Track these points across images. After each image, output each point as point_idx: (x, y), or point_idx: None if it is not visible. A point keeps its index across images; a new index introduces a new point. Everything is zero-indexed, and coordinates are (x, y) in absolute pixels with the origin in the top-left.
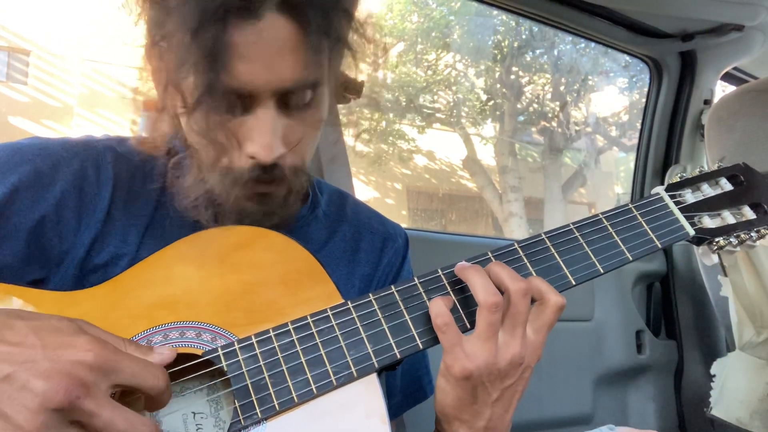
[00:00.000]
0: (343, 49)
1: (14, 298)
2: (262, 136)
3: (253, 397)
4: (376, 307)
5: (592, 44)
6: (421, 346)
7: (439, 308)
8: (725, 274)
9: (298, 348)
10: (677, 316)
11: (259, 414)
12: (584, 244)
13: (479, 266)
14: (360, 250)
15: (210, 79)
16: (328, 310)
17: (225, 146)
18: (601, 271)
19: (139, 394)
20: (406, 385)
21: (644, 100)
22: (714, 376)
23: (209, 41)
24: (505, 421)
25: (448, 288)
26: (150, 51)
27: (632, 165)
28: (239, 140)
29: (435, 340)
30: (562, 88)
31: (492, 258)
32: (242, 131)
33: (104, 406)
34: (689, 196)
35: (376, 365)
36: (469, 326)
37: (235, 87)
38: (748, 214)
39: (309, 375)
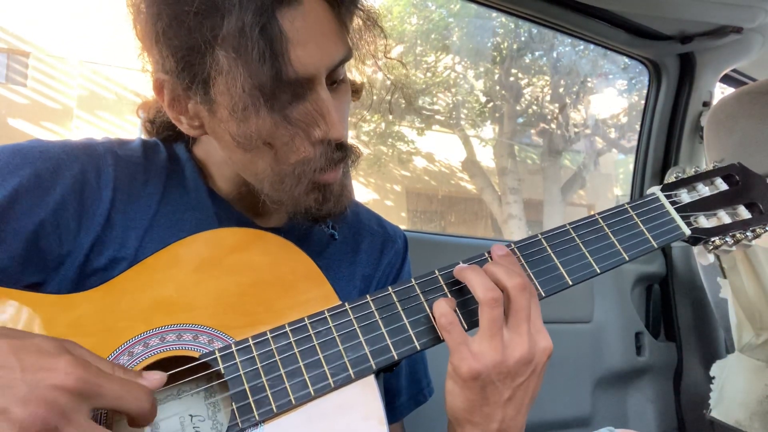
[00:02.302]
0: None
1: (12, 300)
2: (331, 115)
3: (251, 400)
4: (373, 308)
5: (591, 46)
6: (418, 348)
7: (443, 308)
8: (724, 276)
9: (296, 350)
10: (676, 318)
11: (256, 417)
12: (581, 245)
13: (476, 266)
14: (360, 251)
15: (273, 74)
16: (326, 311)
17: (290, 141)
18: (598, 271)
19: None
20: (408, 385)
21: (643, 102)
22: (713, 377)
23: (267, 36)
24: (518, 422)
25: (446, 289)
26: (184, 60)
27: (631, 167)
28: (305, 129)
29: (432, 342)
30: (561, 90)
31: (489, 258)
32: (307, 118)
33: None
34: (685, 196)
35: (374, 367)
36: (467, 327)
37: (297, 75)
38: (744, 213)
39: (306, 377)
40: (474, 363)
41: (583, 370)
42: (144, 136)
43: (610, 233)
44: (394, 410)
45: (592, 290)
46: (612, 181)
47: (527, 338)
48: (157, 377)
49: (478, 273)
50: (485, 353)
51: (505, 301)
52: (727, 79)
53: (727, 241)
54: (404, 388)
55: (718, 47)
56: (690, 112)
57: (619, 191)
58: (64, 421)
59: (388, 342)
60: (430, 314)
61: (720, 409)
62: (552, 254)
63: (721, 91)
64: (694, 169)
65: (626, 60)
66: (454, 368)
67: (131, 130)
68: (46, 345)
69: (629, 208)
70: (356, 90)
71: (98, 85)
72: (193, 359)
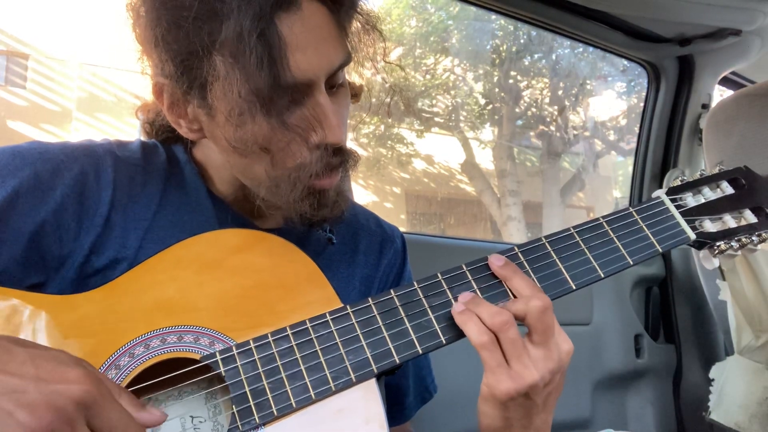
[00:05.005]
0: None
1: (13, 301)
2: (329, 120)
3: (251, 403)
4: (375, 312)
5: (590, 48)
6: (420, 352)
7: (481, 327)
8: (724, 279)
9: (297, 354)
10: (676, 320)
11: (257, 419)
12: (585, 249)
13: (468, 311)
14: (359, 251)
15: (271, 79)
16: (327, 314)
17: (287, 146)
18: (602, 275)
19: None
20: (414, 385)
21: (642, 104)
22: (713, 380)
23: (265, 41)
24: (549, 422)
25: (449, 294)
26: (183, 65)
27: (630, 169)
28: (302, 134)
29: (434, 346)
30: (560, 92)
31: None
32: (305, 123)
33: None
34: (690, 200)
35: (375, 371)
36: None
37: (295, 80)
38: (750, 217)
39: (307, 380)
40: (512, 384)
41: (582, 372)
42: (143, 138)
43: (614, 237)
44: (403, 411)
45: (592, 292)
46: (611, 184)
47: (555, 350)
48: (159, 414)
49: (474, 321)
50: (521, 372)
51: (531, 319)
52: (725, 82)
53: (732, 246)
54: (411, 387)
55: (716, 50)
56: (689, 115)
57: (618, 193)
58: (68, 428)
59: (390, 346)
60: (437, 324)
61: (719, 411)
62: (556, 258)
63: (720, 94)
64: (699, 173)
65: (625, 62)
66: (491, 390)
67: (130, 132)
68: (63, 356)
69: (634, 212)
70: (355, 93)
71: (97, 87)
72: (194, 361)
